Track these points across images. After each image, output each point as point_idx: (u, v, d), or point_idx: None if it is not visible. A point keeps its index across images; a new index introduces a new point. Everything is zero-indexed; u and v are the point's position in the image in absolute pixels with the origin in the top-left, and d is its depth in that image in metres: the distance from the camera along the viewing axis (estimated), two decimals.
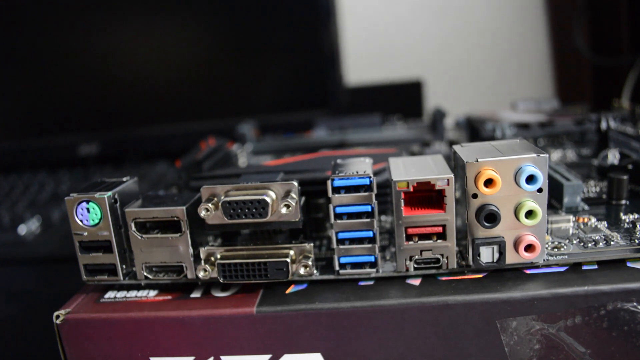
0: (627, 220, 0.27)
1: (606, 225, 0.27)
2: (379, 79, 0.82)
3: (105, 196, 0.25)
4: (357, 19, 0.84)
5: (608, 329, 0.23)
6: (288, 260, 0.25)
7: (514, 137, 0.37)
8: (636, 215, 0.28)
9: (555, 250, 0.25)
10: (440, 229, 0.24)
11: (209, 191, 0.25)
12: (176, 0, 0.67)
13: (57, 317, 0.25)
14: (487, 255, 0.24)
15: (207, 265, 0.25)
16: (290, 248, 0.25)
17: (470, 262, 0.25)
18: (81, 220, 0.26)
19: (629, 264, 0.24)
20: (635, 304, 0.22)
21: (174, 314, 0.25)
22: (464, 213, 0.24)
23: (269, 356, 0.25)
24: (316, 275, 0.26)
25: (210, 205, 0.25)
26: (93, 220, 0.26)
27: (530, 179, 0.23)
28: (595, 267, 0.24)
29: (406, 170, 0.25)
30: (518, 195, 0.23)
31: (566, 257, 0.25)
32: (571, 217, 0.28)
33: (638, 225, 0.27)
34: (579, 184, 0.30)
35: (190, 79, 0.69)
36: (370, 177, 0.24)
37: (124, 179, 0.28)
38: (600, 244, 0.25)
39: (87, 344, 0.26)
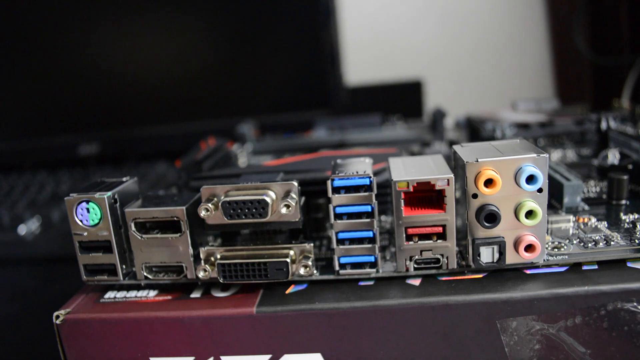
0: (627, 220, 0.27)
1: (606, 225, 0.27)
2: (379, 79, 0.82)
3: (105, 196, 0.25)
4: (357, 19, 0.84)
5: (608, 329, 0.23)
6: (288, 260, 0.25)
7: (514, 137, 0.37)
8: (636, 215, 0.28)
9: (556, 250, 0.25)
10: (440, 229, 0.24)
11: (209, 191, 0.25)
12: (176, 1, 0.67)
13: (57, 317, 0.25)
14: (487, 255, 0.24)
15: (207, 265, 0.25)
16: (290, 248, 0.25)
17: (470, 262, 0.25)
18: (81, 221, 0.26)
19: (629, 264, 0.24)
20: (635, 304, 0.22)
21: (174, 314, 0.25)
22: (464, 213, 0.24)
23: (269, 356, 0.25)
24: (316, 275, 0.26)
25: (210, 205, 0.25)
26: (93, 220, 0.26)
27: (531, 179, 0.23)
28: (595, 267, 0.24)
29: (406, 170, 0.25)
30: (518, 195, 0.23)
31: (566, 257, 0.25)
32: (571, 217, 0.28)
33: (638, 225, 0.27)
34: (579, 184, 0.30)
35: (190, 79, 0.69)
36: (370, 177, 0.24)
37: (124, 179, 0.28)
38: (601, 244, 0.25)
39: (87, 344, 0.26)
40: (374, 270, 0.25)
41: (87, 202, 0.25)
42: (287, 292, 0.25)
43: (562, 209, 0.30)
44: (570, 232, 0.27)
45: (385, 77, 0.82)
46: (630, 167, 0.32)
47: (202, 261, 0.26)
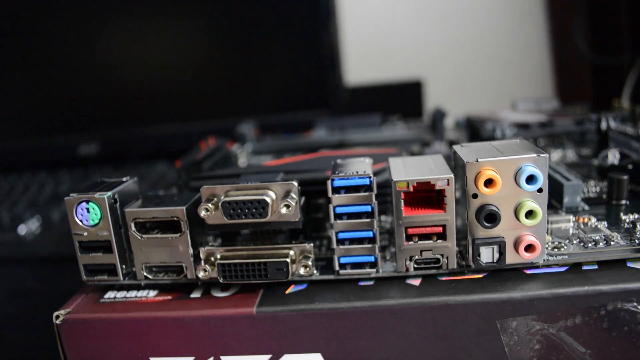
0: (627, 220, 0.27)
1: (606, 225, 0.27)
2: (379, 79, 0.82)
3: (105, 196, 0.25)
4: (357, 19, 0.84)
5: (608, 329, 0.23)
6: (288, 260, 0.25)
7: (514, 137, 0.37)
8: (636, 215, 0.28)
9: (556, 250, 0.25)
10: (440, 229, 0.24)
11: (209, 191, 0.25)
12: (176, 1, 0.67)
13: (57, 317, 0.25)
14: (487, 255, 0.24)
15: (207, 265, 0.25)
16: (290, 248, 0.25)
17: (470, 262, 0.25)
18: (81, 221, 0.26)
19: (629, 264, 0.24)
20: (635, 304, 0.22)
21: (174, 314, 0.25)
22: (464, 213, 0.24)
23: (269, 356, 0.25)
24: (316, 275, 0.26)
25: (210, 205, 0.25)
26: (93, 220, 0.26)
27: (531, 179, 0.23)
28: (595, 267, 0.24)
29: (406, 170, 0.25)
30: (518, 195, 0.23)
31: (566, 257, 0.25)
32: (571, 217, 0.28)
33: (638, 225, 0.27)
34: (579, 184, 0.30)
35: (190, 79, 0.69)
36: (370, 177, 0.24)
37: (124, 179, 0.28)
38: (601, 244, 0.25)
39: (87, 344, 0.26)
40: (374, 270, 0.25)
41: (87, 202, 0.25)
42: (287, 292, 0.25)
43: (562, 209, 0.30)
44: (570, 232, 0.27)
45: (385, 77, 0.82)
46: (630, 167, 0.32)
47: (202, 261, 0.26)
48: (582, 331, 0.23)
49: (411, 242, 0.24)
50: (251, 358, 0.25)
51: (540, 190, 0.23)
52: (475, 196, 0.24)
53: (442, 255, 0.24)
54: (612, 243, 0.25)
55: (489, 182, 0.23)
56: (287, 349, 0.24)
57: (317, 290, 0.25)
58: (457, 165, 0.25)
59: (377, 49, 0.85)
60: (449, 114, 0.50)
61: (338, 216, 0.24)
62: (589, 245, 0.25)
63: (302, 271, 0.25)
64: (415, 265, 0.25)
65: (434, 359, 0.24)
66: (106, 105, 0.71)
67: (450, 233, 0.24)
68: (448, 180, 0.23)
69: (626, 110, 0.45)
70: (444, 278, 0.25)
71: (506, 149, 0.24)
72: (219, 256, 0.26)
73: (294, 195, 0.25)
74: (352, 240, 0.25)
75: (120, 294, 0.27)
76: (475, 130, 0.43)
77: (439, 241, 0.24)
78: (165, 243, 0.26)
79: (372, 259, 0.25)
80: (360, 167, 0.26)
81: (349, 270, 0.25)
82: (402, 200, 0.24)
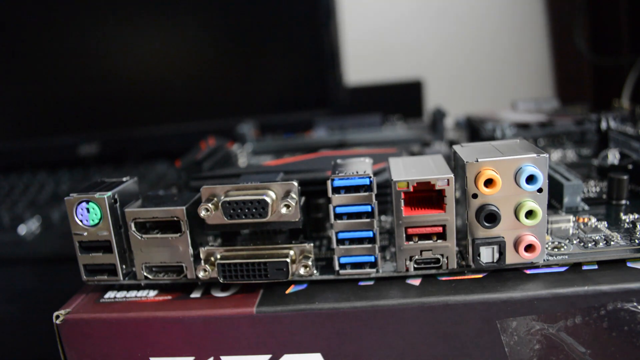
0: (627, 220, 0.27)
1: (606, 225, 0.27)
2: (379, 79, 0.82)
3: (105, 196, 0.25)
4: (357, 19, 0.84)
5: (608, 329, 0.23)
6: (288, 260, 0.25)
7: (514, 137, 0.37)
8: (636, 215, 0.28)
9: (556, 250, 0.25)
10: (440, 229, 0.24)
11: (209, 191, 0.25)
12: (176, 0, 0.67)
13: (57, 317, 0.25)
14: (487, 255, 0.24)
15: (207, 265, 0.25)
16: (290, 248, 0.25)
17: (470, 262, 0.25)
18: (81, 221, 0.26)
19: (629, 264, 0.24)
20: (635, 304, 0.22)
21: (174, 314, 0.25)
22: (464, 213, 0.24)
23: (269, 356, 0.25)
24: (316, 275, 0.26)
25: (210, 205, 0.25)
26: (93, 220, 0.26)
27: (530, 179, 0.23)
28: (595, 267, 0.24)
29: (406, 170, 0.25)
30: (518, 195, 0.23)
31: (566, 257, 0.25)
32: (571, 217, 0.28)
33: (638, 225, 0.27)
34: (579, 184, 0.30)
35: (190, 79, 0.69)
36: (370, 177, 0.24)
37: (124, 179, 0.28)
38: (601, 244, 0.25)
39: (87, 344, 0.26)
40: (374, 270, 0.25)
41: (87, 202, 0.25)
42: (287, 292, 0.25)
43: (562, 209, 0.30)
44: (570, 232, 0.27)
45: (385, 77, 0.82)
46: (630, 167, 0.32)
47: (202, 261, 0.26)
48: (582, 331, 0.23)
49: (411, 242, 0.24)
50: (251, 358, 0.25)
51: (540, 190, 0.23)
52: (475, 196, 0.24)
53: (442, 255, 0.24)
54: (612, 243, 0.25)
55: (489, 182, 0.23)
56: (287, 349, 0.24)
57: (317, 290, 0.25)
58: (457, 165, 0.25)
59: (377, 48, 0.85)
60: (449, 114, 0.50)
61: (338, 216, 0.24)
62: (589, 245, 0.25)
63: (302, 271, 0.25)
64: (415, 265, 0.25)
65: (434, 359, 0.24)
66: (106, 105, 0.71)
67: (450, 233, 0.24)
68: (448, 180, 0.23)
69: (626, 110, 0.45)
70: (444, 278, 0.25)
71: (506, 149, 0.24)
72: (219, 256, 0.26)
73: (294, 195, 0.25)
74: (352, 240, 0.25)
75: (120, 294, 0.27)
76: (475, 130, 0.43)
77: (439, 241, 0.24)
78: (165, 243, 0.26)
79: (372, 259, 0.25)
80: (360, 167, 0.26)
81: (349, 270, 0.25)
82: (402, 200, 0.24)
